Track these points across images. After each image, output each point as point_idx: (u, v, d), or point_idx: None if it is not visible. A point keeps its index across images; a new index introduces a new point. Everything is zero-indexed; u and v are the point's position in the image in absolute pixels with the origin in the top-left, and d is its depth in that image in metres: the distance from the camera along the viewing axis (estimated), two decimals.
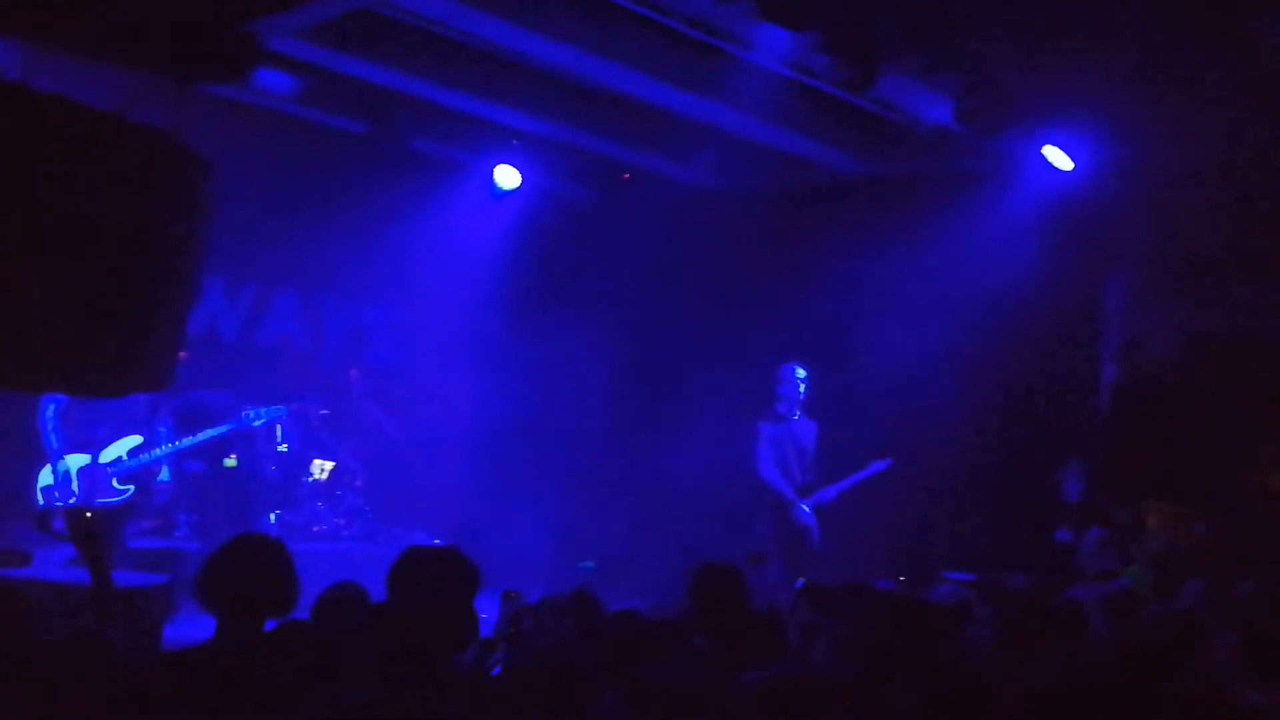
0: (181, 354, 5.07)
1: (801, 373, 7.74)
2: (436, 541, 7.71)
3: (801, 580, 6.50)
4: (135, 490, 6.40)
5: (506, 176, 9.33)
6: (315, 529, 8.94)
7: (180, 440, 6.58)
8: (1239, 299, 7.34)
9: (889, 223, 8.55)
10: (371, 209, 9.23)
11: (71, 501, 6.10)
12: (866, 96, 7.75)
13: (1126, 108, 7.08)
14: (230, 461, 6.56)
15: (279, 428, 8.28)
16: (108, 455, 6.34)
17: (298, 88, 7.59)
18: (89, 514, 4.04)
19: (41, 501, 6.21)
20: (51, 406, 6.21)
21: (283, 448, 7.51)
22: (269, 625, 3.35)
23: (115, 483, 6.31)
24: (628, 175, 10.00)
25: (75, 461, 6.28)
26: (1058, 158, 7.61)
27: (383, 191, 9.18)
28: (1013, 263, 7.92)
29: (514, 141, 8.97)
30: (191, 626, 5.32)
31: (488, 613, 4.04)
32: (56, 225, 4.26)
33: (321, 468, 9.06)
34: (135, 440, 6.40)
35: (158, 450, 6.47)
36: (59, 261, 4.27)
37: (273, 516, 8.54)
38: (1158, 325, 7.73)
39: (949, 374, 8.01)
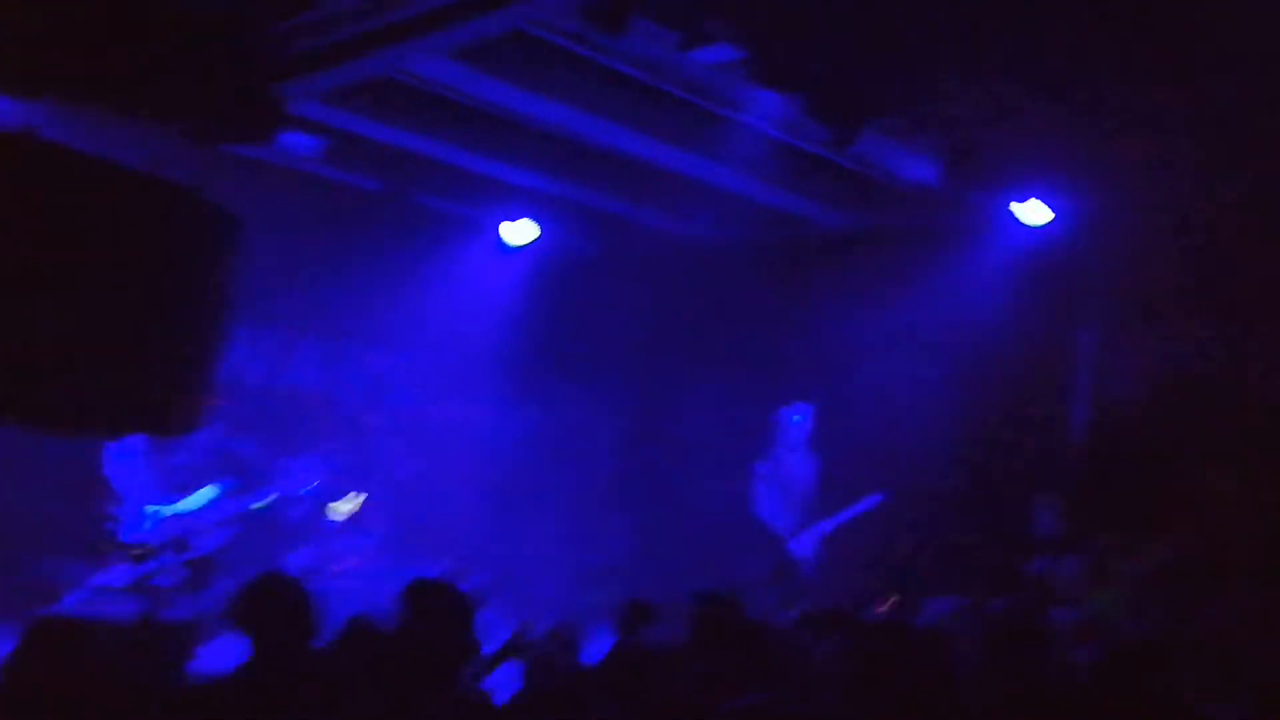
0: (212, 401, 5.02)
1: (798, 417, 7.74)
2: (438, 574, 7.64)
3: (795, 611, 6.44)
4: (217, 541, 6.12)
5: (515, 231, 9.37)
6: (337, 566, 8.88)
7: (253, 499, 6.31)
8: (1202, 340, 7.35)
9: (874, 273, 8.60)
10: (388, 262, 9.26)
11: (153, 548, 5.86)
12: (851, 156, 7.82)
13: (1094, 162, 7.13)
14: (244, 493, 6.41)
15: (299, 470, 8.21)
16: (187, 505, 6.04)
17: (319, 148, 7.65)
18: (139, 552, 4.00)
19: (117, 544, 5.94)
20: (127, 455, 5.93)
21: (307, 488, 7.45)
22: (293, 656, 3.32)
23: (195, 536, 6.03)
24: (627, 229, 10.03)
25: (153, 510, 5.98)
26: (1029, 213, 7.65)
27: (398, 245, 9.23)
28: (990, 309, 7.97)
29: (521, 199, 9.01)
30: (219, 656, 5.28)
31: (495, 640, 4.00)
32: (92, 277, 4.27)
33: (343, 507, 9.01)
34: (213, 491, 6.12)
35: (231, 503, 6.18)
36: (93, 312, 4.27)
37: (296, 554, 8.49)
38: (1126, 366, 7.73)
39: (932, 414, 8.03)
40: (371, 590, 8.36)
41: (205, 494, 6.04)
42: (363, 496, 9.08)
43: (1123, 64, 5.93)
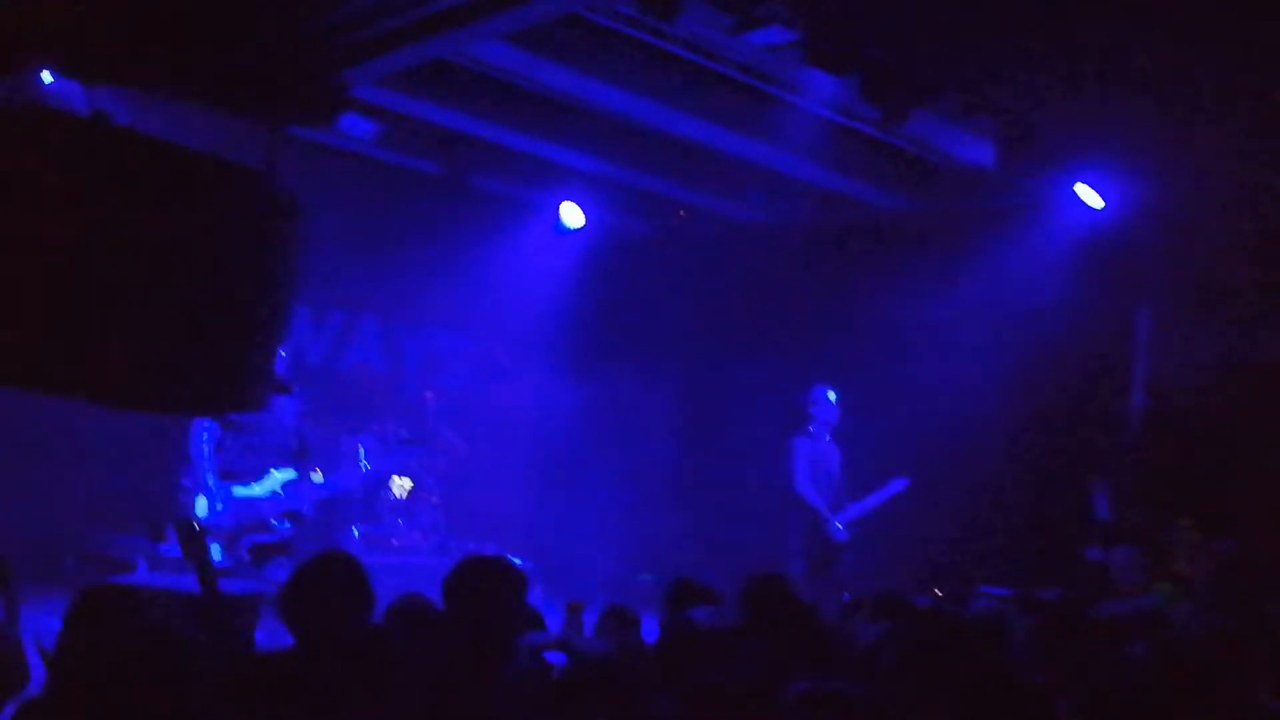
0: (275, 382, 5.02)
1: (833, 395, 7.61)
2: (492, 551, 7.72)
3: (847, 594, 6.40)
4: (292, 525, 6.04)
5: (570, 214, 9.40)
6: (394, 542, 9.02)
7: (330, 480, 6.24)
8: (1262, 327, 7.20)
9: (928, 256, 8.51)
10: (445, 244, 9.33)
11: (228, 532, 5.83)
12: (905, 138, 7.74)
13: (1154, 144, 6.99)
14: (317, 477, 6.41)
15: (361, 449, 8.31)
16: (263, 489, 5.99)
17: (377, 132, 7.71)
18: (196, 526, 4.06)
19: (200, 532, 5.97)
20: (205, 435, 5.89)
21: (365, 467, 7.57)
22: (350, 631, 3.36)
23: (273, 520, 5.97)
24: (682, 212, 10.03)
25: (230, 493, 5.93)
26: (1089, 195, 7.52)
27: (455, 227, 9.29)
28: (1045, 294, 7.85)
29: (577, 181, 9.02)
30: (278, 632, 5.39)
31: (554, 623, 4.04)
32: (160, 258, 4.34)
33: (400, 485, 9.14)
34: (289, 474, 6.04)
35: (310, 485, 6.10)
36: (161, 291, 4.34)
37: (355, 531, 8.63)
38: (1184, 353, 7.60)
39: (985, 399, 7.93)
40: (426, 566, 8.49)
41: (276, 478, 6.02)
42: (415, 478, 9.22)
43: (1184, 43, 5.79)
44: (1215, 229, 7.38)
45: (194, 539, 3.93)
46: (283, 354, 5.98)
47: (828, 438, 7.62)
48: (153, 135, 4.34)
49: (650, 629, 4.40)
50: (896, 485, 7.53)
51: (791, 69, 6.68)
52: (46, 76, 5.69)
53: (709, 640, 3.45)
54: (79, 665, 2.54)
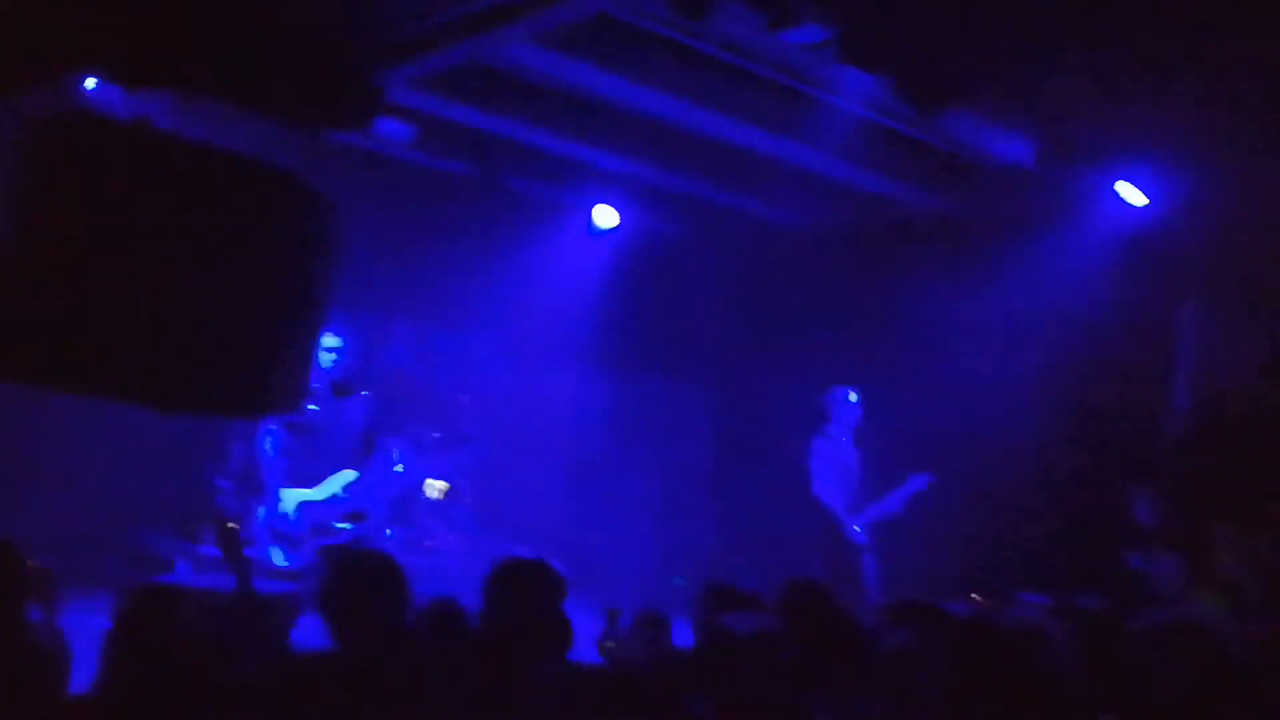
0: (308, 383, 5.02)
1: (854, 396, 7.57)
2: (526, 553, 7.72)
3: (873, 598, 6.35)
4: (357, 526, 6.01)
5: (604, 216, 9.40)
6: (428, 544, 9.07)
7: (396, 484, 6.30)
8: None
9: (966, 256, 8.43)
10: (479, 246, 9.37)
11: (281, 545, 5.80)
12: (943, 137, 7.67)
13: (1196, 139, 6.88)
14: (398, 467, 6.36)
15: (395, 450, 8.35)
16: (324, 491, 5.95)
17: (412, 135, 7.76)
18: (232, 525, 4.11)
19: (263, 542, 5.82)
20: (269, 440, 5.88)
21: (399, 468, 7.61)
22: (387, 632, 3.37)
23: (336, 522, 5.94)
24: (717, 213, 10.00)
25: (294, 496, 5.91)
26: (1130, 193, 7.42)
27: (489, 230, 9.32)
28: (1086, 294, 7.76)
29: (611, 183, 9.03)
30: (313, 633, 5.42)
31: (585, 625, 4.03)
32: (200, 260, 4.40)
33: (434, 486, 9.19)
34: (351, 475, 6.00)
35: (374, 486, 6.08)
36: (200, 294, 4.40)
37: (389, 532, 8.68)
38: (1230, 353, 7.48)
39: (1024, 401, 7.85)
40: (460, 568, 8.53)
41: (337, 480, 5.97)
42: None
43: (1224, 35, 5.70)
44: (1260, 225, 7.26)
45: (231, 540, 3.97)
46: (337, 357, 6.00)
47: (847, 439, 7.58)
48: (193, 139, 4.40)
49: (682, 633, 4.39)
50: (917, 482, 7.46)
51: (826, 67, 6.64)
52: (89, 83, 5.79)
53: (744, 645, 3.43)
54: (124, 664, 2.57)
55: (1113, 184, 7.41)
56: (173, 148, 4.38)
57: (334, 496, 5.97)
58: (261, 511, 5.91)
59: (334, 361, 6.05)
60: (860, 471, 7.62)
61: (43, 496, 7.01)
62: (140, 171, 4.24)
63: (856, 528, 7.43)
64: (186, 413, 5.82)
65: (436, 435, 9.00)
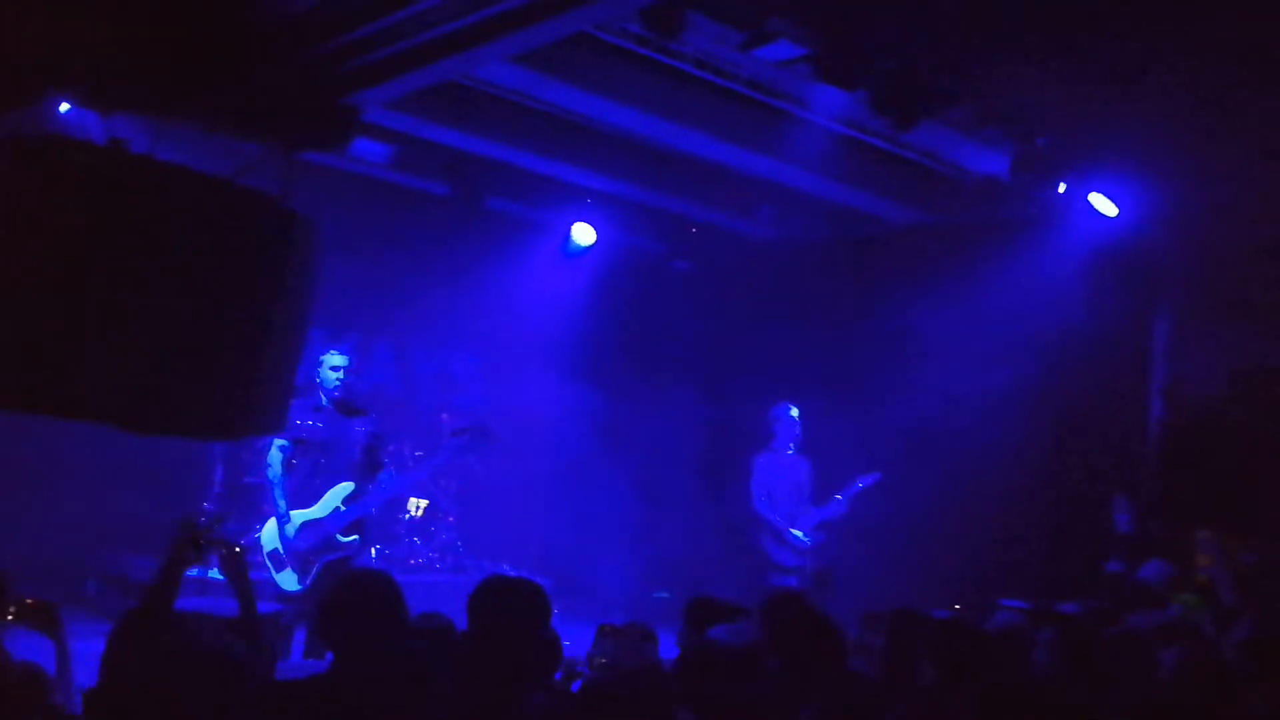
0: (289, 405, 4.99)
1: (795, 411, 7.78)
2: (517, 572, 7.70)
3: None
4: (359, 539, 5.90)
5: (582, 233, 9.43)
6: (411, 562, 9.05)
7: (390, 487, 6.09)
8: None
9: (942, 269, 8.51)
10: (457, 264, 9.38)
11: (293, 563, 5.71)
12: (918, 151, 7.74)
13: (1167, 152, 6.97)
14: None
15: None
16: (325, 507, 5.84)
17: (389, 154, 7.76)
18: (236, 549, 4.07)
19: (270, 565, 5.71)
20: (280, 456, 5.78)
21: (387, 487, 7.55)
22: (382, 653, 3.35)
23: (339, 536, 5.82)
24: (694, 229, 10.07)
25: (299, 517, 5.80)
26: (1103, 204, 7.51)
27: (467, 248, 9.34)
28: (1062, 304, 7.84)
29: (588, 200, 9.06)
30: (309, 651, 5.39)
31: (571, 640, 4.03)
32: (178, 284, 4.38)
33: (417, 505, 9.17)
34: (349, 487, 5.88)
35: (372, 500, 5.97)
36: (179, 315, 4.39)
37: (373, 551, 8.65)
38: (1202, 362, 7.56)
39: (1002, 410, 7.91)
40: (444, 585, 8.50)
41: (335, 495, 5.88)
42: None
43: (1195, 49, 5.79)
44: (1231, 235, 7.36)
45: (236, 563, 3.95)
46: (343, 376, 5.96)
47: (790, 452, 7.77)
48: (168, 162, 4.39)
49: (666, 646, 4.39)
50: (864, 481, 7.63)
51: (801, 84, 6.70)
52: (63, 106, 5.77)
53: (729, 656, 3.44)
54: (122, 689, 2.56)
55: (1086, 196, 7.49)
56: (148, 171, 4.36)
57: (335, 511, 5.85)
58: (271, 540, 5.79)
59: (339, 380, 6.01)
60: (810, 482, 7.78)
61: (23, 519, 6.95)
62: (115, 195, 4.23)
63: (799, 533, 7.61)
64: (166, 435, 5.80)
65: (418, 453, 8.98)
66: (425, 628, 3.92)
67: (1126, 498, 7.34)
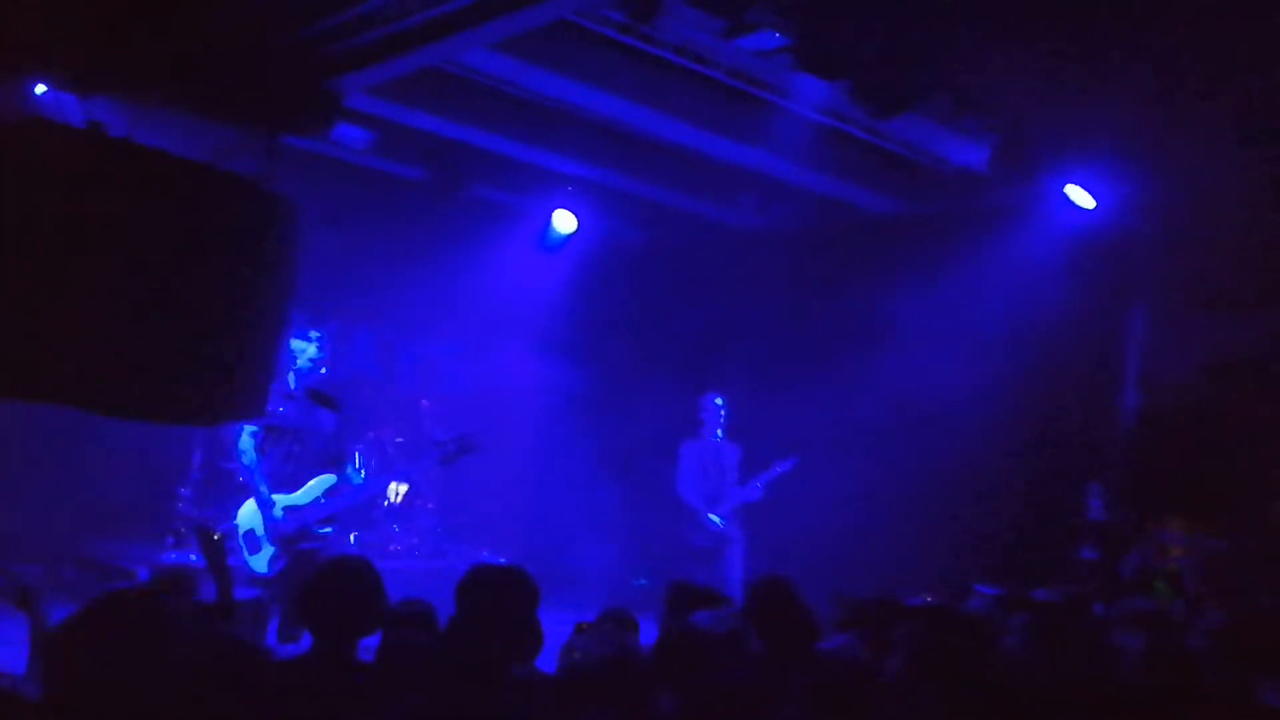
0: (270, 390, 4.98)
1: (719, 400, 8.16)
2: (501, 559, 7.73)
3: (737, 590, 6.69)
4: (334, 531, 5.94)
5: (563, 220, 9.42)
6: (391, 548, 9.04)
7: (371, 486, 6.21)
8: (1254, 325, 7.25)
9: (921, 258, 8.55)
10: (438, 251, 9.35)
11: (275, 545, 5.71)
12: (898, 141, 7.77)
13: (1144, 144, 7.03)
14: (358, 478, 6.31)
15: (358, 454, 8.30)
16: (307, 496, 5.85)
17: (370, 139, 7.72)
18: (216, 535, 4.08)
19: (245, 546, 5.70)
20: (252, 441, 5.76)
21: (361, 474, 7.56)
22: (359, 640, 3.37)
23: (316, 526, 5.84)
24: (676, 217, 10.07)
25: (282, 501, 5.79)
26: (1080, 196, 7.56)
27: (448, 234, 9.32)
28: (1038, 295, 7.89)
29: (569, 187, 9.05)
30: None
31: (549, 628, 4.04)
32: (157, 267, 4.37)
33: (396, 491, 9.15)
34: (330, 480, 5.90)
35: (352, 490, 6.04)
36: (158, 300, 4.37)
37: (352, 537, 8.63)
38: (1176, 352, 7.64)
39: (979, 400, 7.96)
40: (423, 570, 8.50)
41: (318, 485, 5.89)
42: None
43: (1170, 41, 5.83)
44: (1206, 227, 7.42)
45: (216, 549, 3.95)
46: (314, 363, 5.96)
47: (716, 438, 8.10)
48: (148, 145, 4.36)
49: (647, 633, 4.41)
50: (782, 466, 7.95)
51: (782, 74, 6.71)
52: (39, 88, 5.71)
53: (709, 642, 3.47)
54: (91, 672, 2.55)
55: (1063, 188, 7.54)
56: (127, 154, 4.34)
57: (316, 501, 5.84)
58: (251, 519, 5.77)
59: (311, 366, 5.98)
60: (735, 467, 8.09)
61: (1, 503, 6.90)
62: (93, 179, 4.20)
63: (715, 517, 7.94)
64: (146, 420, 5.76)
65: (398, 439, 8.96)
66: (407, 613, 3.93)
67: (1099, 486, 7.43)
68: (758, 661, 3.53)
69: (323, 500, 5.85)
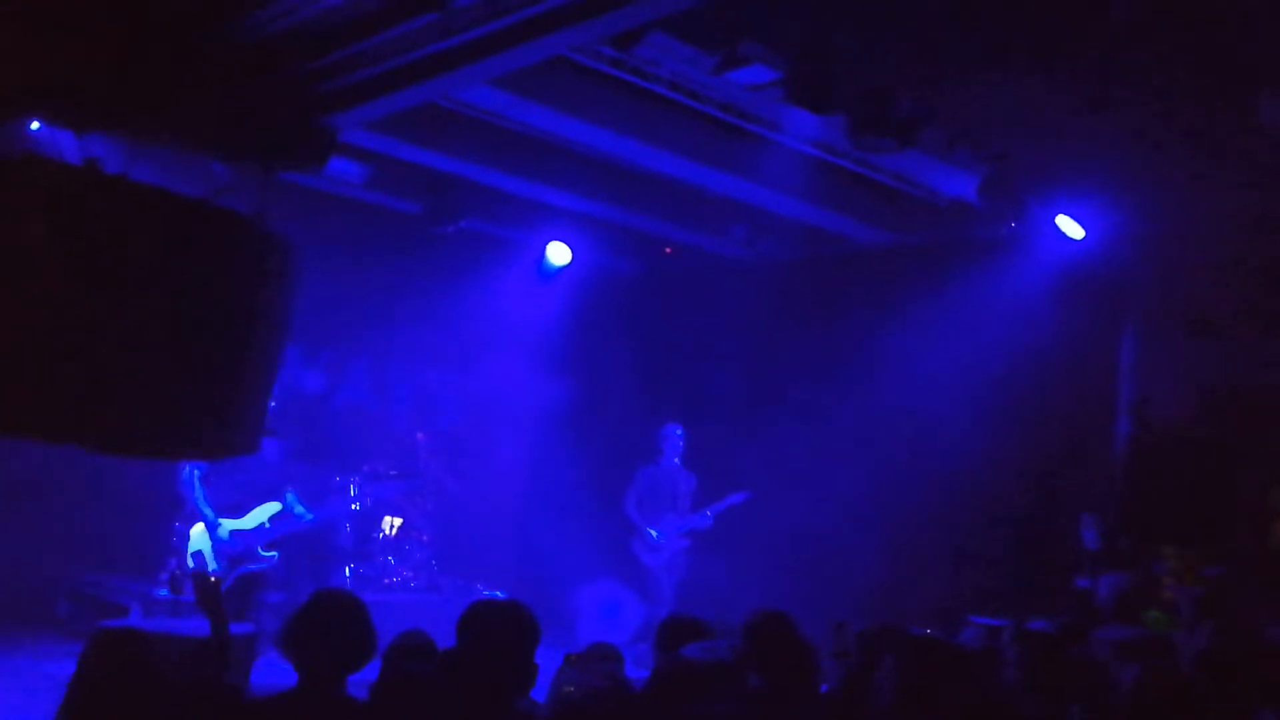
0: (267, 425, 5.08)
1: (679, 430, 8.71)
2: (499, 594, 7.70)
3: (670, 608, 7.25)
4: (278, 556, 6.33)
5: (557, 253, 9.45)
6: (386, 581, 9.00)
7: (315, 512, 6.54)
8: (1246, 353, 7.26)
9: (913, 289, 8.57)
10: (433, 284, 9.38)
11: (221, 565, 6.01)
12: (889, 173, 7.82)
13: (1134, 174, 7.08)
14: (299, 509, 6.59)
15: (353, 488, 8.32)
16: (252, 521, 6.24)
17: (366, 174, 7.76)
18: (212, 579, 4.17)
19: (193, 564, 6.09)
20: (196, 473, 6.12)
21: (355, 506, 7.58)
22: (348, 676, 3.35)
23: (261, 549, 6.24)
24: (669, 250, 10.11)
25: (229, 525, 6.18)
26: (1070, 226, 7.61)
27: (443, 268, 9.34)
28: (1031, 324, 7.91)
29: (562, 220, 9.10)
30: (272, 673, 5.35)
31: (543, 661, 4.02)
32: (153, 304, 4.37)
33: (391, 524, 9.13)
34: (275, 507, 6.31)
35: (295, 518, 6.40)
36: (154, 337, 4.37)
37: (347, 570, 8.60)
38: (1169, 380, 7.65)
39: (971, 429, 7.97)
40: (418, 604, 8.45)
41: (263, 511, 6.20)
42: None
43: (1165, 78, 5.89)
44: (1197, 256, 7.46)
45: (211, 592, 4.00)
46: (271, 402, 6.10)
47: (672, 466, 8.66)
48: (144, 183, 4.38)
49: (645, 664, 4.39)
50: (734, 499, 8.43)
51: (774, 107, 6.77)
52: (36, 125, 5.74)
53: (703, 674, 3.45)
54: (93, 708, 2.54)
55: (1053, 218, 7.58)
56: (123, 191, 4.35)
57: (260, 526, 6.24)
58: (200, 541, 6.11)
59: None
60: (689, 495, 8.62)
61: None
62: (89, 216, 4.21)
63: (653, 532, 8.42)
64: (141, 456, 5.77)
65: (393, 472, 8.95)
66: (409, 645, 3.91)
67: (1094, 515, 7.41)
68: (753, 695, 3.50)
69: (267, 525, 6.25)
